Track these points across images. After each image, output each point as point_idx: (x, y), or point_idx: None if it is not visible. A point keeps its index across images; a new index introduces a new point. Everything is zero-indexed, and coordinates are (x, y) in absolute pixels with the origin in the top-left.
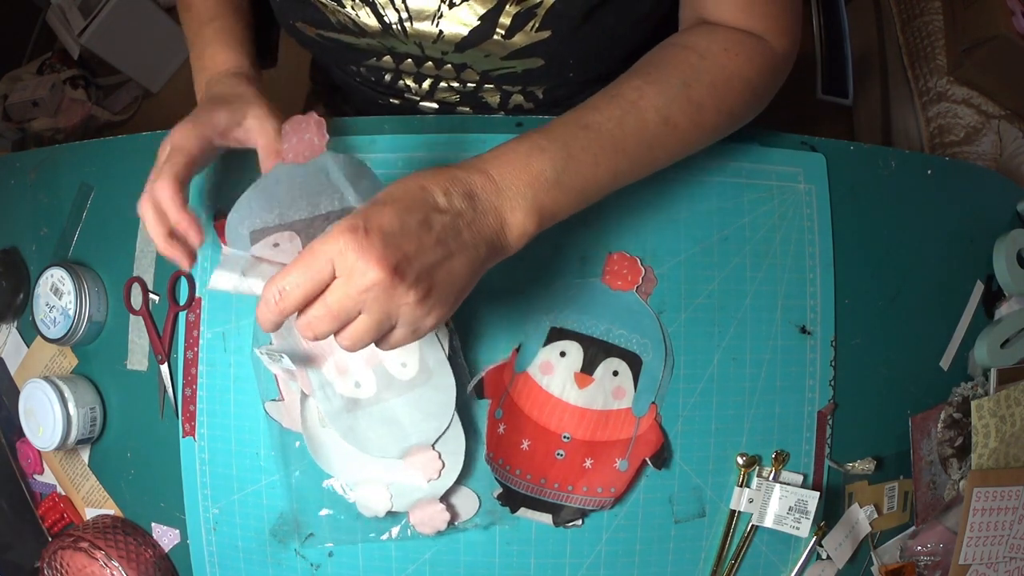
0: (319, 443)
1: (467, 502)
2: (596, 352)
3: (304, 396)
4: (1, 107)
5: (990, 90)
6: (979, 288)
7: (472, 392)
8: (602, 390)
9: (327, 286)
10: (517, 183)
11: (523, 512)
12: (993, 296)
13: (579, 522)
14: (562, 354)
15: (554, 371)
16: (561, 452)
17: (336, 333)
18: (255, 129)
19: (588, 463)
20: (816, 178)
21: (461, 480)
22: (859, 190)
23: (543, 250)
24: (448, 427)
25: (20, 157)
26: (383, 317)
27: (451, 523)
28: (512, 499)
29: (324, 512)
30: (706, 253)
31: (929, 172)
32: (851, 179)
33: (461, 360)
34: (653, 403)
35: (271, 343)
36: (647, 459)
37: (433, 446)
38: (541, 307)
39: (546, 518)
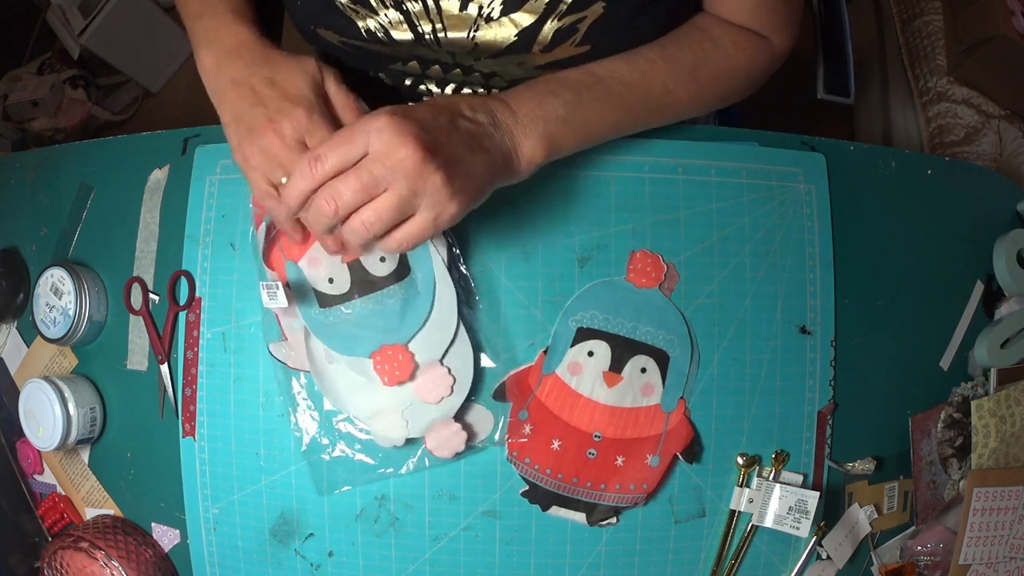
0: (327, 378)
1: (483, 419)
2: (623, 350)
3: (308, 334)
4: (1, 107)
5: (990, 90)
6: (979, 288)
7: (494, 396)
8: (631, 388)
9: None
10: (532, 114)
11: (555, 511)
12: (993, 296)
13: (614, 520)
14: (590, 354)
15: (583, 371)
16: (593, 451)
17: (357, 210)
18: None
19: (620, 461)
20: (816, 178)
21: (474, 397)
22: (859, 190)
23: (563, 253)
24: (453, 340)
25: (20, 157)
26: (409, 194)
27: (468, 443)
28: (543, 497)
29: (338, 452)
30: (706, 253)
31: (929, 172)
32: (851, 179)
33: (463, 270)
34: (681, 398)
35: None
36: (678, 454)
37: (442, 361)
38: (568, 308)
39: (580, 517)
